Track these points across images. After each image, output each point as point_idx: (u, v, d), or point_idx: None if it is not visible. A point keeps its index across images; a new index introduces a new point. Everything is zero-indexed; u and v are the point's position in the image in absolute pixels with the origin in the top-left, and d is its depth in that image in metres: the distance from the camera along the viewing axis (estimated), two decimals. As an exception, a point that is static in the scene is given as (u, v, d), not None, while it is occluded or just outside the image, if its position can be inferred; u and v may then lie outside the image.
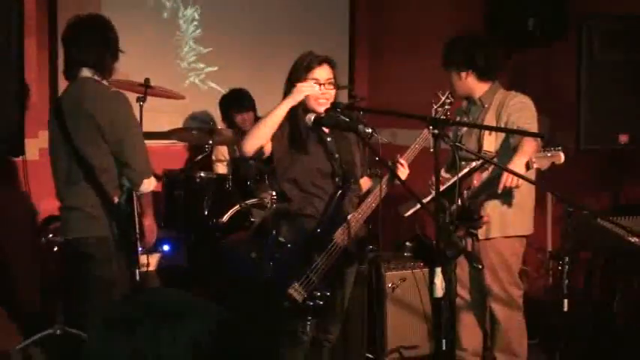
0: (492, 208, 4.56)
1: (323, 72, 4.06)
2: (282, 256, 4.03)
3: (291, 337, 4.10)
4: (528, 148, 4.30)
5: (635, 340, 4.73)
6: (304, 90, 3.99)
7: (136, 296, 1.95)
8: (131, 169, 4.22)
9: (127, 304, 1.90)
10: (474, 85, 4.68)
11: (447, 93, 4.36)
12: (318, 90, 4.03)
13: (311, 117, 3.99)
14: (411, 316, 5.26)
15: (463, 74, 4.67)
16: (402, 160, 4.12)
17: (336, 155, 4.13)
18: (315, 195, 4.09)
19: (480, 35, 4.94)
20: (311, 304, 3.98)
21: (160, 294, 1.97)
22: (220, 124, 6.46)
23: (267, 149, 4.07)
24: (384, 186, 4.00)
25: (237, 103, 6.29)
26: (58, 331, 5.00)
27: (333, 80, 4.07)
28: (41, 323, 5.10)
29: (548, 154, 4.24)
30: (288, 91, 4.04)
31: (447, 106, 4.28)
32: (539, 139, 4.30)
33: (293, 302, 3.96)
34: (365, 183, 4.36)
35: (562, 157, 4.22)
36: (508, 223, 4.61)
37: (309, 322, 4.04)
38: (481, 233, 4.60)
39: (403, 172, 4.07)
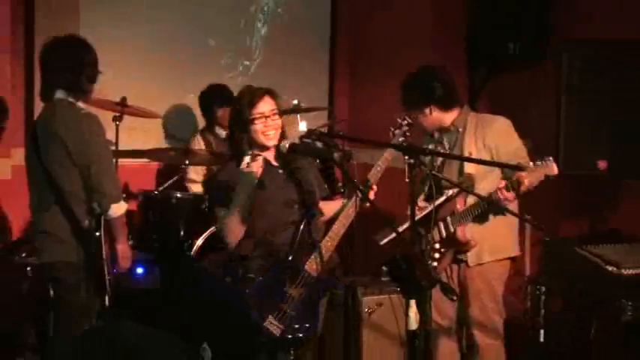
0: (482, 233, 4.46)
1: (266, 105, 4.11)
2: (253, 292, 3.98)
3: None
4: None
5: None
6: (252, 167, 3.93)
7: (101, 331, 1.91)
8: (99, 193, 4.16)
9: (91, 338, 1.86)
10: (442, 116, 4.60)
11: (404, 115, 4.30)
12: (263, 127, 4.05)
13: (286, 144, 3.95)
14: (387, 342, 5.20)
15: (427, 110, 4.58)
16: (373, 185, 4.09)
17: (295, 184, 4.12)
18: (280, 225, 4.06)
19: (429, 66, 4.82)
20: (290, 336, 3.95)
21: (125, 329, 1.93)
22: (200, 121, 6.44)
23: None
24: (350, 211, 4.01)
25: (219, 96, 6.23)
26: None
27: (276, 110, 4.13)
28: (12, 346, 5.03)
29: (540, 165, 4.11)
30: (235, 125, 4.12)
31: (404, 128, 4.24)
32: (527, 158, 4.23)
33: (270, 336, 3.92)
34: (332, 205, 4.34)
35: (555, 167, 4.10)
36: (499, 246, 4.52)
37: (292, 356, 4.01)
38: (472, 259, 4.53)
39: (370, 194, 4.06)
